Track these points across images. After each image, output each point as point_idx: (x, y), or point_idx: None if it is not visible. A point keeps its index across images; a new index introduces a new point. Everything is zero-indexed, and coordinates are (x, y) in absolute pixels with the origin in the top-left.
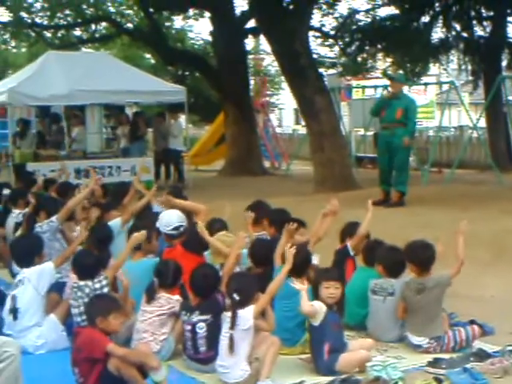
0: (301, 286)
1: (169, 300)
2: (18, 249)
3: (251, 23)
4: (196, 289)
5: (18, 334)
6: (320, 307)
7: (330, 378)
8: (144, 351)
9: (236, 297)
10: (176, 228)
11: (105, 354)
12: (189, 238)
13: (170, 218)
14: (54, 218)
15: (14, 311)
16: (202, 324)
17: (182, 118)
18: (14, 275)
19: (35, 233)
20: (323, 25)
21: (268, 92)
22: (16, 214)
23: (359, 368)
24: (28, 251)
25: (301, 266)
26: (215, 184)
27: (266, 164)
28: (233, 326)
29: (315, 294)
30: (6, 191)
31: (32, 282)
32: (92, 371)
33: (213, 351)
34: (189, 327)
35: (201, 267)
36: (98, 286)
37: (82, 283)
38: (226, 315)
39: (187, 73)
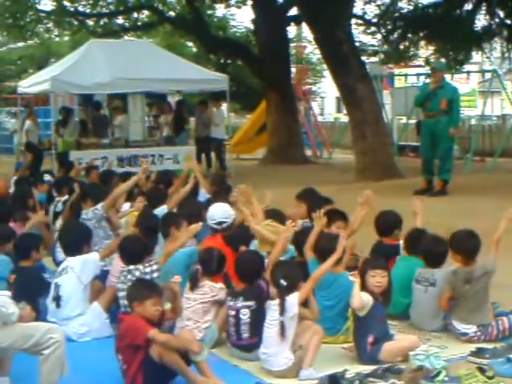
0: (355, 278)
1: (212, 288)
2: (66, 237)
3: (293, 11)
4: (241, 273)
5: (61, 322)
6: (367, 299)
7: (373, 367)
8: (186, 337)
9: (283, 283)
10: (219, 223)
11: (146, 341)
12: (233, 233)
13: (214, 212)
14: (99, 206)
15: (57, 299)
16: (245, 310)
17: (224, 107)
18: (57, 263)
19: (82, 221)
20: (365, 12)
21: (310, 80)
22: (55, 202)
23: (402, 357)
24: (77, 239)
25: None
26: (257, 172)
27: (308, 152)
28: (282, 312)
29: (362, 284)
30: (47, 177)
31: (75, 271)
32: (135, 358)
33: (256, 338)
34: (233, 312)
35: (246, 252)
36: (148, 270)
37: (132, 267)
38: (271, 303)
39: (229, 61)
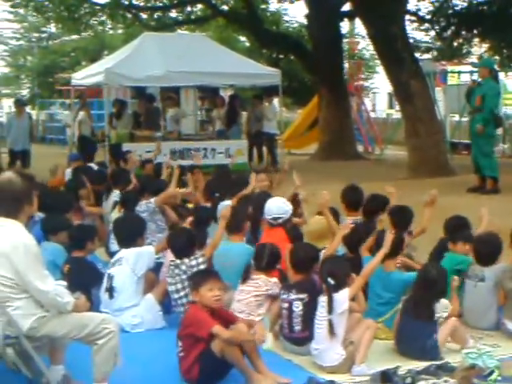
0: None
1: (266, 281)
2: (120, 228)
3: (347, 6)
4: (294, 263)
5: (114, 313)
6: None
7: (426, 364)
8: (242, 330)
9: (331, 281)
10: (274, 219)
11: (209, 335)
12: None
13: (270, 208)
14: (152, 200)
15: (110, 290)
16: (298, 303)
17: (275, 101)
18: (110, 254)
19: (137, 213)
20: (419, 9)
21: (362, 76)
22: (116, 194)
23: (452, 338)
24: (131, 231)
25: (392, 250)
26: (308, 168)
27: (360, 148)
28: (330, 310)
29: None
30: (95, 167)
31: (129, 263)
32: (194, 348)
33: (307, 332)
34: (286, 305)
35: (300, 243)
36: (194, 262)
37: (179, 261)
38: (321, 299)
39: (281, 56)
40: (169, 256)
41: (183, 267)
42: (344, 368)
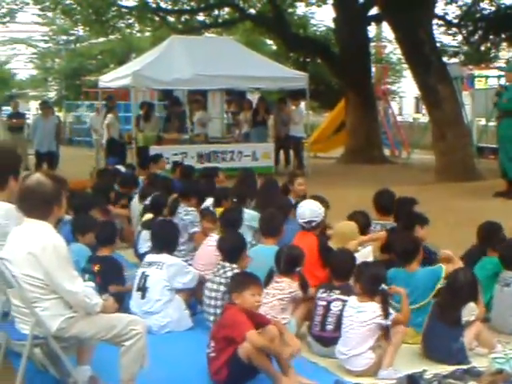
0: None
1: (290, 284)
2: (160, 234)
3: (374, 10)
4: (334, 270)
5: (144, 314)
6: None
7: (452, 368)
8: (273, 332)
9: (385, 287)
10: (308, 222)
11: (243, 338)
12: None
13: (303, 212)
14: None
15: (143, 290)
16: (338, 302)
17: (302, 105)
18: (139, 256)
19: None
20: (447, 13)
21: (389, 80)
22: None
23: (478, 342)
24: (170, 238)
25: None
26: (334, 171)
27: (386, 152)
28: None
29: None
30: (122, 169)
31: (169, 271)
32: (225, 351)
33: (338, 333)
34: (323, 303)
35: (340, 250)
36: (223, 274)
37: (221, 264)
38: (353, 302)
39: (308, 59)
40: (197, 259)
41: (221, 271)
42: (371, 371)
